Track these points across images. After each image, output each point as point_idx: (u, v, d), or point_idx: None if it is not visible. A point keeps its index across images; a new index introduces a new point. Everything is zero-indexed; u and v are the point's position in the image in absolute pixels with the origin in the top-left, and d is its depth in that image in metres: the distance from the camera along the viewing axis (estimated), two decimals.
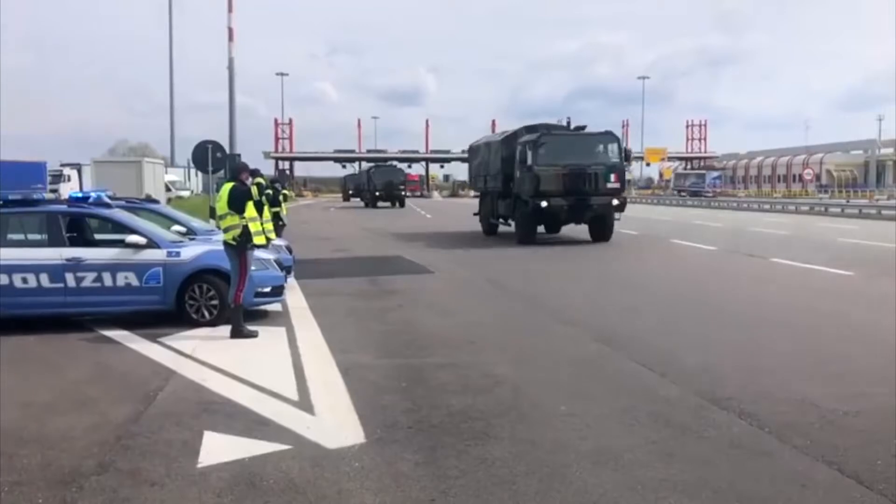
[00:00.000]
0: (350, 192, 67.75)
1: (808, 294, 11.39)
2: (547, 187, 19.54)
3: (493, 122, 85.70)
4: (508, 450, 4.77)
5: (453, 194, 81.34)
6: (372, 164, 63.46)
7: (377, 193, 52.45)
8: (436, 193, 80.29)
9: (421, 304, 10.77)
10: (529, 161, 19.83)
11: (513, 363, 7.08)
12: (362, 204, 56.51)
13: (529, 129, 21.87)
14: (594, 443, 4.90)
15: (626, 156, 20.98)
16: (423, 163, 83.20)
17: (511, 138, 22.12)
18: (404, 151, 79.40)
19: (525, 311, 10.33)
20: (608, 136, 20.84)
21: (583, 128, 21.45)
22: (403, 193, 53.89)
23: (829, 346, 7.87)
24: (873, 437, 4.93)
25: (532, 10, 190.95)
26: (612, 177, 19.99)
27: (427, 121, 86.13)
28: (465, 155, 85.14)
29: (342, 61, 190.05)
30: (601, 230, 20.58)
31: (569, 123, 21.88)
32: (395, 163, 68.39)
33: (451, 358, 7.32)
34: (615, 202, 20.01)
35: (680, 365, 6.92)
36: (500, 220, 23.25)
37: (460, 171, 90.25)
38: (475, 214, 25.58)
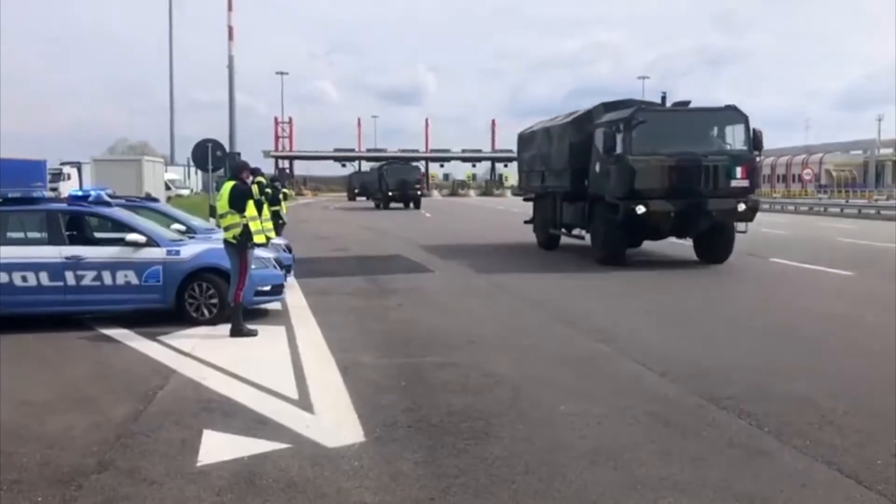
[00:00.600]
0: (356, 190, 65.02)
1: (807, 294, 11.40)
2: (646, 185, 13.92)
3: (493, 121, 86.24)
4: (508, 449, 4.77)
5: (453, 193, 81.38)
6: (384, 162, 58.00)
7: (390, 193, 47.20)
8: (435, 192, 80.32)
9: (421, 303, 10.77)
10: (619, 148, 14.24)
11: (513, 363, 7.09)
12: (371, 204, 52.40)
13: (610, 105, 16.24)
14: (594, 442, 4.90)
15: (757, 142, 14.64)
16: (423, 162, 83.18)
17: (584, 120, 16.53)
18: (404, 150, 79.28)
19: (525, 310, 10.32)
20: (730, 114, 14.80)
21: (686, 104, 15.53)
22: (419, 193, 48.29)
23: (828, 345, 7.88)
24: (872, 436, 4.93)
25: (532, 9, 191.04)
26: (739, 171, 14.20)
27: (427, 120, 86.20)
28: (464, 154, 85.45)
29: (342, 60, 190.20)
30: (717, 246, 14.98)
31: (664, 100, 15.79)
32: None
33: (451, 357, 7.32)
34: (741, 207, 14.12)
35: (679, 365, 6.92)
36: (564, 230, 17.87)
37: (459, 171, 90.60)
38: (527, 222, 20.30)
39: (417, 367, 6.96)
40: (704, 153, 14.25)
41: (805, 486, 4.20)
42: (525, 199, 21.49)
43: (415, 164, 59.19)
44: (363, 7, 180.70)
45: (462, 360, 7.20)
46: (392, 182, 47.52)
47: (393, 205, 47.28)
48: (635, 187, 13.97)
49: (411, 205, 47.10)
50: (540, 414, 5.53)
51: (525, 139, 20.72)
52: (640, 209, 13.83)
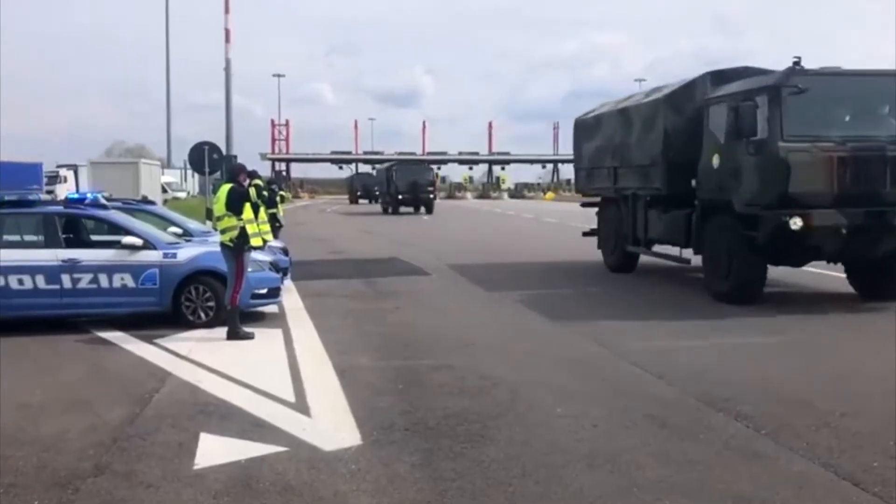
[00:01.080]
0: (358, 193, 60.80)
1: (804, 296, 11.40)
2: (805, 187, 9.44)
3: (490, 123, 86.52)
4: (505, 452, 4.77)
5: (450, 196, 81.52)
6: (393, 161, 52.18)
7: (400, 196, 41.81)
8: None
9: (418, 305, 10.77)
10: (762, 131, 9.66)
11: (510, 365, 7.09)
12: (375, 208, 48.20)
13: (720, 76, 11.66)
14: (591, 445, 4.90)
15: None
16: None
17: (684, 95, 12.00)
18: (401, 153, 79.48)
19: (522, 312, 10.31)
20: None
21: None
22: (432, 196, 42.77)
23: (825, 348, 7.88)
24: (870, 438, 4.93)
25: (530, 10, 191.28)
26: None
27: (424, 122, 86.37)
28: (461, 157, 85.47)
29: (339, 62, 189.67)
30: (887, 277, 10.40)
31: (797, 64, 9.91)
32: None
33: (448, 360, 7.31)
34: None
35: (677, 367, 6.92)
36: (646, 247, 13.20)
37: (456, 173, 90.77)
38: (587, 234, 15.60)
39: (414, 369, 6.95)
40: (891, 138, 9.65)
41: (802, 488, 4.20)
42: (584, 205, 16.66)
43: (428, 165, 52.86)
44: (360, 9, 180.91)
45: (459, 362, 7.20)
46: (402, 184, 42.06)
47: (402, 209, 42.23)
48: (789, 190, 9.43)
49: (422, 209, 41.99)
50: (537, 417, 5.53)
51: (585, 126, 15.57)
52: (796, 223, 9.28)
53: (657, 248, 13.12)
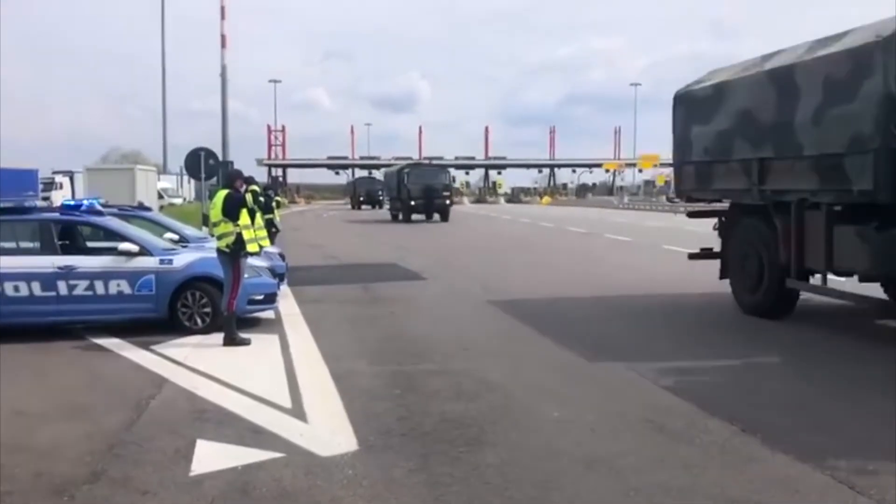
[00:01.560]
0: (361, 198, 57.71)
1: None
2: None
3: (487, 128, 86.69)
4: (501, 456, 4.78)
5: None
6: (406, 164, 46.28)
7: (412, 202, 37.60)
8: None
9: (414, 310, 10.77)
10: None
11: (506, 370, 7.09)
12: (380, 215, 45.12)
13: None
14: (587, 449, 4.91)
15: None
16: None
17: None
18: (398, 158, 79.54)
19: (518, 317, 10.32)
20: None
21: None
22: (448, 202, 38.45)
23: (821, 350, 7.90)
24: (866, 441, 4.95)
25: (527, 15, 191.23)
26: None
27: (420, 127, 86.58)
28: (458, 162, 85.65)
29: (335, 68, 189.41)
30: None
31: None
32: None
33: (445, 365, 7.32)
34: None
35: (673, 371, 6.93)
36: (822, 280, 8.61)
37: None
38: (695, 256, 11.23)
39: (411, 374, 6.95)
40: None
41: (798, 491, 4.21)
42: (692, 215, 12.10)
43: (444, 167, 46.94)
44: (357, 15, 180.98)
45: (455, 367, 7.20)
46: (415, 188, 37.77)
47: (415, 216, 38.20)
48: None
49: (436, 216, 38.11)
50: (533, 421, 5.54)
51: (696, 102, 10.73)
52: None
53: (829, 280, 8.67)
